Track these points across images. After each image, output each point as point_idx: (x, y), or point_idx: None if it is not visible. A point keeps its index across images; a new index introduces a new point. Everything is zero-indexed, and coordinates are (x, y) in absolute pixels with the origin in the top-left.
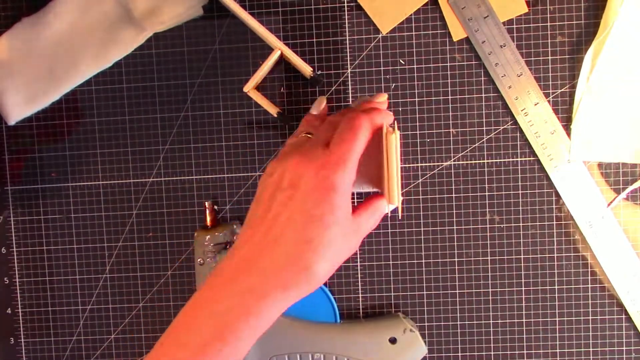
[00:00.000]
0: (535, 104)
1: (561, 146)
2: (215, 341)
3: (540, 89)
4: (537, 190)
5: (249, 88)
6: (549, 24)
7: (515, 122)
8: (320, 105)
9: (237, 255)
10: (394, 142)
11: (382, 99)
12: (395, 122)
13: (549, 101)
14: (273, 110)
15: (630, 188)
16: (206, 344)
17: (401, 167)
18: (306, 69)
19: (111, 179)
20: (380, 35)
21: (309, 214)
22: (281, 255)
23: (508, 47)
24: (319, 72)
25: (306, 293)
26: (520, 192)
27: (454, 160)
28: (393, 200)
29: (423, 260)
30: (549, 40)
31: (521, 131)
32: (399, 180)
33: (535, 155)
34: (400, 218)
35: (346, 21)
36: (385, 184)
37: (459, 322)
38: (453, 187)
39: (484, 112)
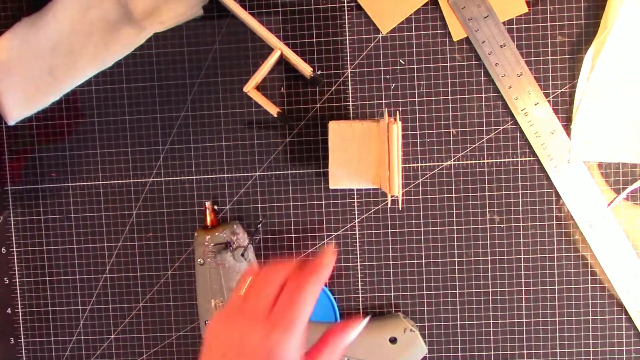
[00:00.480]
0: (536, 104)
1: (561, 146)
2: None
3: (540, 89)
4: (537, 190)
5: (249, 88)
6: (549, 24)
7: (515, 122)
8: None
9: None
10: (395, 132)
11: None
12: (397, 113)
13: (549, 101)
14: (273, 110)
15: (630, 188)
16: None
17: (402, 159)
18: (306, 69)
19: (111, 179)
20: (380, 35)
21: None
22: None
23: (508, 47)
24: (319, 72)
25: None
26: (520, 192)
27: (454, 160)
28: (393, 191)
29: (423, 260)
30: (549, 40)
31: (521, 131)
32: (400, 170)
33: (535, 155)
34: (400, 209)
35: (346, 21)
36: (387, 174)
37: (459, 322)
38: (453, 187)
39: (484, 112)
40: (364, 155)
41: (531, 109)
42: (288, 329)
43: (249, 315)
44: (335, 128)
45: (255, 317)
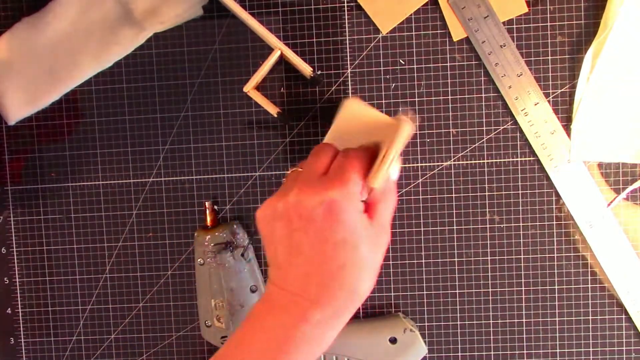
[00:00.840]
0: (536, 104)
1: (561, 146)
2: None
3: (540, 89)
4: (537, 190)
5: (248, 88)
6: (549, 24)
7: (515, 122)
8: None
9: (278, 294)
10: (406, 133)
11: None
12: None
13: (549, 101)
14: (273, 110)
15: (630, 188)
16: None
17: (402, 159)
18: (306, 69)
19: (111, 179)
20: (380, 35)
21: (332, 242)
22: (322, 288)
23: (508, 47)
24: (319, 72)
25: (355, 311)
26: (520, 192)
27: (454, 160)
28: (374, 183)
29: (423, 260)
30: (549, 40)
31: (521, 131)
32: (389, 167)
33: (535, 155)
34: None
35: (346, 21)
36: (377, 166)
37: (459, 322)
38: (453, 187)
39: (484, 112)
40: (363, 141)
41: (531, 109)
42: (345, 184)
43: (303, 180)
44: (351, 106)
45: (310, 179)
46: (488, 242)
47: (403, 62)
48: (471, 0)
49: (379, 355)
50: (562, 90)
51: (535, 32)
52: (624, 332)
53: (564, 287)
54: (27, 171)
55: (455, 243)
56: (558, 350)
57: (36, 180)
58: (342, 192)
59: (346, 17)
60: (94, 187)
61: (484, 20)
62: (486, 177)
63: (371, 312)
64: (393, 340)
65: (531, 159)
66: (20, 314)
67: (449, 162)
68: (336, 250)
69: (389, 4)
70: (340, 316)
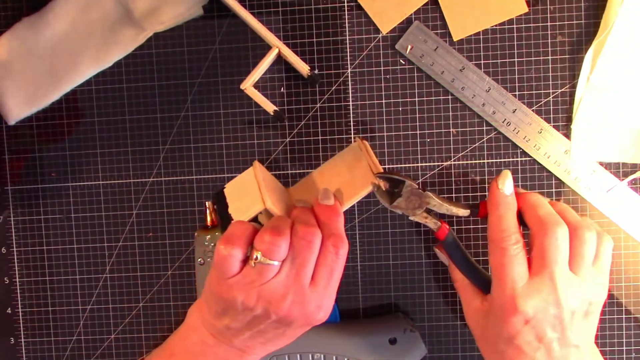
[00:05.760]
0: (514, 111)
1: (554, 141)
2: None
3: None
4: (537, 190)
5: (246, 85)
6: (549, 24)
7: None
8: None
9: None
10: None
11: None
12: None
13: (549, 101)
14: (270, 108)
15: (631, 177)
16: None
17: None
18: (303, 68)
19: (111, 179)
20: (380, 35)
21: (293, 335)
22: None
23: (468, 69)
24: (317, 72)
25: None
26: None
27: (454, 160)
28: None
29: (423, 260)
30: (549, 40)
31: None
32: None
33: None
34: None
35: (346, 21)
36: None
37: (459, 322)
38: (453, 187)
39: None
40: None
41: (511, 117)
42: (330, 304)
43: (295, 289)
44: (355, 149)
45: (300, 290)
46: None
47: (403, 62)
48: (416, 39)
49: (379, 355)
50: (562, 90)
51: (535, 32)
52: (624, 332)
53: None
54: (27, 171)
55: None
56: None
57: (36, 180)
58: (326, 313)
59: (346, 17)
60: (94, 187)
61: (435, 52)
62: (486, 177)
63: (371, 312)
64: (393, 341)
65: (531, 158)
66: (20, 314)
67: (449, 162)
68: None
69: (389, 4)
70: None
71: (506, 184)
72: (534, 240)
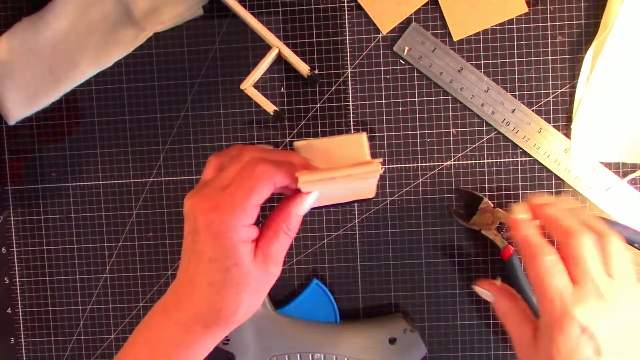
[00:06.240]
0: (513, 111)
1: (553, 140)
2: None
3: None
4: (537, 190)
5: (246, 86)
6: (549, 24)
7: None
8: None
9: (171, 290)
10: (369, 170)
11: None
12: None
13: (549, 101)
14: (270, 108)
15: (630, 176)
16: None
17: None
18: (303, 68)
19: (111, 179)
20: (380, 35)
21: (208, 257)
22: (198, 297)
23: (466, 69)
24: (317, 72)
25: (227, 331)
26: (520, 192)
27: (454, 160)
28: (303, 184)
29: (423, 260)
30: (549, 40)
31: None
32: (325, 182)
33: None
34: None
35: (346, 21)
36: (318, 172)
37: (459, 322)
38: (453, 187)
39: None
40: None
41: (510, 117)
42: (233, 204)
43: (203, 191)
44: (353, 137)
45: (209, 192)
46: (488, 242)
47: (403, 63)
48: (414, 41)
49: (379, 355)
50: (562, 90)
51: (535, 32)
52: None
53: None
54: (27, 171)
55: (455, 243)
56: None
57: (36, 180)
58: (227, 216)
59: (346, 17)
60: (94, 187)
61: (433, 53)
62: (486, 177)
63: (371, 312)
64: (393, 340)
65: (531, 158)
66: (20, 314)
67: (449, 162)
68: (210, 266)
69: (389, 4)
70: (207, 328)
71: (518, 211)
72: (564, 250)
